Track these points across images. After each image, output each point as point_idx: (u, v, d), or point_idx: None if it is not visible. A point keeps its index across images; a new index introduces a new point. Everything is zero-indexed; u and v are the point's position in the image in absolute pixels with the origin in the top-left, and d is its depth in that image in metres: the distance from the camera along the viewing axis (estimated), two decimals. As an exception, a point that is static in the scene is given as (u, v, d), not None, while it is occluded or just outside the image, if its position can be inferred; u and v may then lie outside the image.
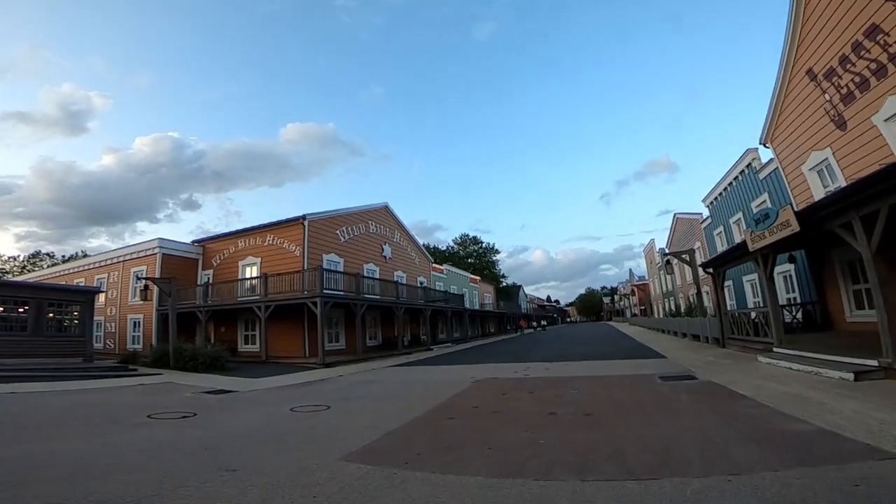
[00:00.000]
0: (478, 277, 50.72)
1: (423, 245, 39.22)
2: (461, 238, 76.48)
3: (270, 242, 22.44)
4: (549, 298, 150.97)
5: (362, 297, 20.37)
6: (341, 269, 22.41)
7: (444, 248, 74.39)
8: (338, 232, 23.77)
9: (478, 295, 48.29)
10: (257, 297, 19.30)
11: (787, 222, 8.36)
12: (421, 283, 31.60)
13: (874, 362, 6.81)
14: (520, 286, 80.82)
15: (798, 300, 15.71)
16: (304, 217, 21.29)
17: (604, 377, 10.25)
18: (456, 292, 37.83)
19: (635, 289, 58.02)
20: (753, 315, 12.97)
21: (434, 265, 37.52)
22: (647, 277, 55.59)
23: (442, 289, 34.30)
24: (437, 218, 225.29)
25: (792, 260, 14.69)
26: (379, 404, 8.15)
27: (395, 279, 27.14)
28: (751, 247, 10.50)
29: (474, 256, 73.16)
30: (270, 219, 23.09)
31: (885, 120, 9.25)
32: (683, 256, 18.79)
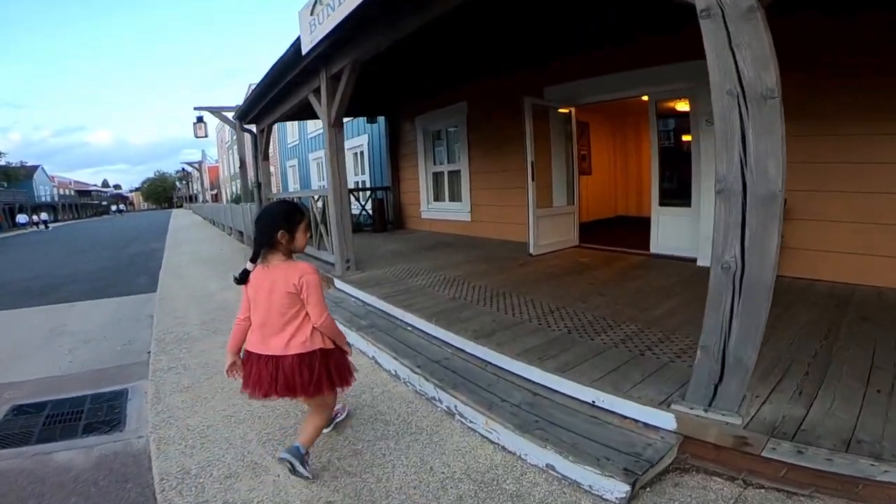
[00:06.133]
0: None
1: None
2: None
3: None
4: (105, 183, 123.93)
5: None
6: None
7: None
8: None
9: None
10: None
11: None
12: None
13: (668, 419, 2.09)
14: (37, 167, 55.20)
15: (368, 184, 11.87)
16: None
17: None
18: None
19: (204, 172, 48.27)
20: (299, 198, 7.57)
21: None
22: (217, 159, 46.72)
23: None
24: None
25: (373, 121, 10.24)
26: None
27: None
28: (310, 41, 4.49)
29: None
30: None
31: None
32: (225, 115, 11.86)
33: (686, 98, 5.09)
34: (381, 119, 10.14)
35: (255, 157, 8.75)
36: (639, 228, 7.48)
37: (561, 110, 6.15)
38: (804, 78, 4.06)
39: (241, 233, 12.40)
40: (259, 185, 8.67)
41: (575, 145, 6.28)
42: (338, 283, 5.14)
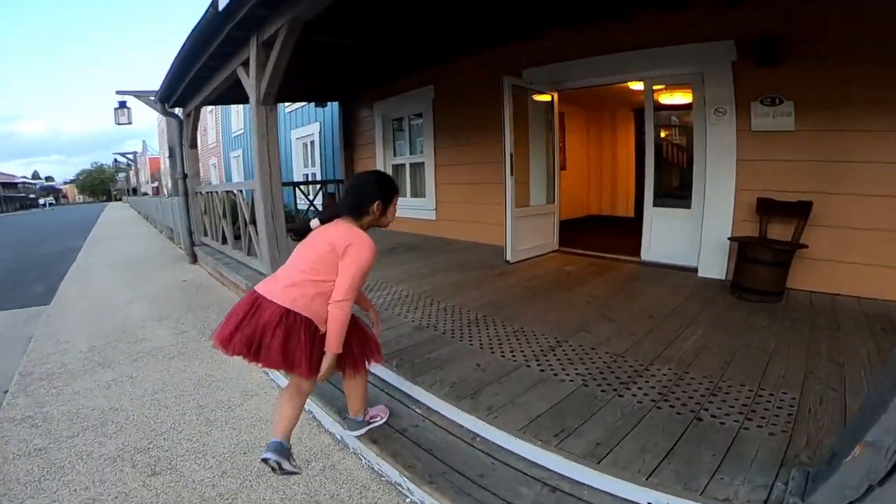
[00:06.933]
0: None
1: None
2: None
3: None
4: (35, 175, 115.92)
5: None
6: None
7: None
8: None
9: None
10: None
11: None
12: None
13: None
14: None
15: (319, 177, 10.73)
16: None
17: None
18: None
19: (144, 164, 44.74)
20: (233, 193, 6.30)
21: None
22: (157, 150, 43.41)
23: None
24: None
25: (322, 105, 9.18)
26: None
27: None
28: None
29: None
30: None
31: None
32: (152, 99, 10.31)
33: (689, 85, 4.41)
34: (335, 105, 9.08)
35: (181, 145, 7.49)
36: (617, 230, 6.89)
37: (542, 96, 5.37)
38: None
39: (171, 229, 10.95)
40: (185, 177, 7.44)
41: (557, 135, 5.52)
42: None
